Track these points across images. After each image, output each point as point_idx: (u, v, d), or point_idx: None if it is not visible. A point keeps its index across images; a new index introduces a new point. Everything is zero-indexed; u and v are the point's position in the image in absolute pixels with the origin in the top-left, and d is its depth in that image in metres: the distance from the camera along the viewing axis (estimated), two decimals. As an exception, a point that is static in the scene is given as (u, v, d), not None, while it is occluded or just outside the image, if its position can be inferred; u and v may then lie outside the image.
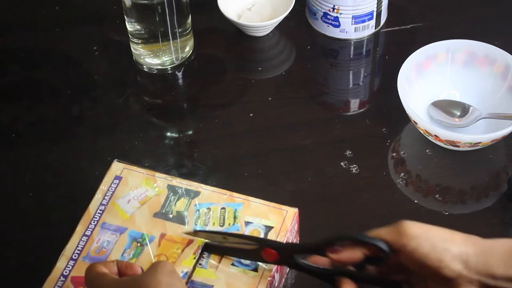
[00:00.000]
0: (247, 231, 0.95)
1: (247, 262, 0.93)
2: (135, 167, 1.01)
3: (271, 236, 0.95)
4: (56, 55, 1.26)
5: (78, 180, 1.10)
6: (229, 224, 0.96)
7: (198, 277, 0.92)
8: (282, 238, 0.95)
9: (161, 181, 1.00)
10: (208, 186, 0.99)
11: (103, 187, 1.00)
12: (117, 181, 1.00)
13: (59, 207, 1.07)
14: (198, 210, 0.97)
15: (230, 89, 1.21)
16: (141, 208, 0.98)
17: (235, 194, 0.99)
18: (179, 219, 0.97)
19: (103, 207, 0.98)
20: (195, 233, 0.95)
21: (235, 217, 0.97)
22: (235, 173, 1.09)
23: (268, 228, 0.95)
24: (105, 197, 0.99)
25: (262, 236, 0.95)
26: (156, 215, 0.97)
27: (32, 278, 0.97)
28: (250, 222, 0.96)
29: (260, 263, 0.93)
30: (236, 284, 0.91)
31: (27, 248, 1.04)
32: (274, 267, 0.93)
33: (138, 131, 1.16)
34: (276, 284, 0.95)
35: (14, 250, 1.04)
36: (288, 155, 1.12)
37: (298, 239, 1.00)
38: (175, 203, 0.98)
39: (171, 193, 0.99)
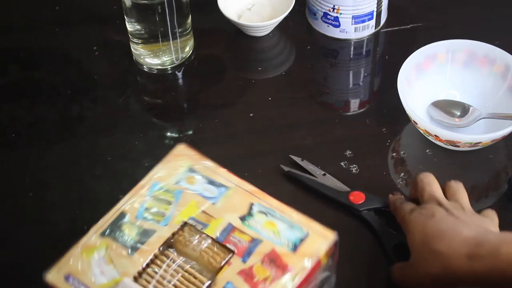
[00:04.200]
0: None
1: None
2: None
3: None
4: (56, 55, 1.26)
5: (78, 180, 1.10)
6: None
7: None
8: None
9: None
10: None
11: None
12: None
13: (59, 207, 1.07)
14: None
15: (230, 89, 1.21)
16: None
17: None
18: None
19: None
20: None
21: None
22: (235, 173, 1.09)
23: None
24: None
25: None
26: None
27: (31, 278, 0.97)
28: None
29: None
30: None
31: (27, 248, 1.03)
32: None
33: (138, 131, 1.16)
34: None
35: (13, 251, 1.04)
36: (288, 155, 1.12)
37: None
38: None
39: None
